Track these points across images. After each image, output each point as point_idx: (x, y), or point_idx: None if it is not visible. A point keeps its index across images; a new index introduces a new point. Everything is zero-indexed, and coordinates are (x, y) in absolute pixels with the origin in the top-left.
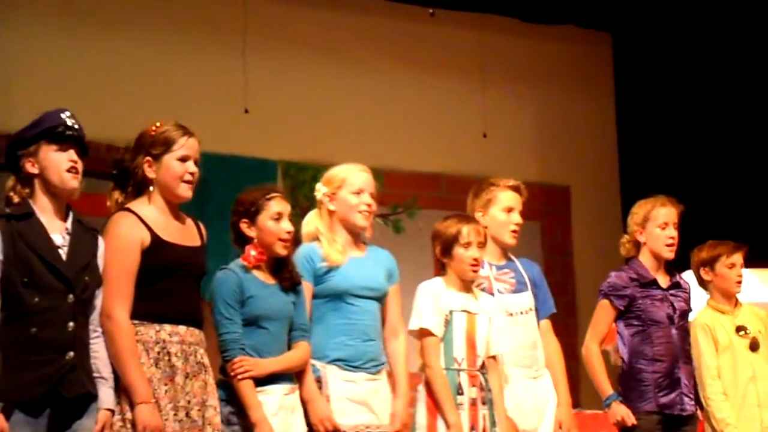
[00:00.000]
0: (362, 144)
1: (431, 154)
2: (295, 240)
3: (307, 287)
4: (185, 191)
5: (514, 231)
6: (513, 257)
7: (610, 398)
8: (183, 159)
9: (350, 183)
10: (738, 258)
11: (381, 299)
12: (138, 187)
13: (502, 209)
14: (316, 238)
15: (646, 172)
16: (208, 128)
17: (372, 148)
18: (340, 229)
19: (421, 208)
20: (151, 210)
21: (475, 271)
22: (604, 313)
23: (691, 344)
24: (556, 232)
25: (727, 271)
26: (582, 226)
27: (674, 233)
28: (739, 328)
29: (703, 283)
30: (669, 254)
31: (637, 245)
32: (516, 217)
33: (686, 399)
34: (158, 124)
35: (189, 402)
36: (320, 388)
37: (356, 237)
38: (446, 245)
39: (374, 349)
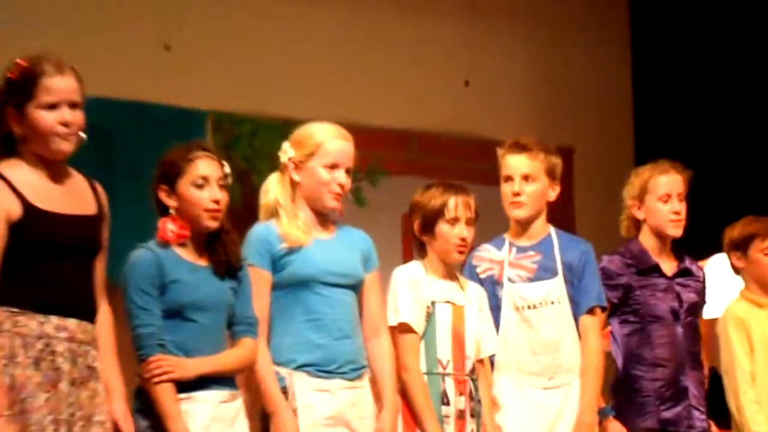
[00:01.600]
0: (314, 92)
1: (400, 106)
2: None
3: (263, 277)
4: (61, 144)
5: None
6: (554, 232)
7: (602, 413)
8: (52, 106)
9: (325, 152)
10: None
11: (356, 288)
12: (4, 143)
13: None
14: (277, 213)
15: (667, 133)
16: (119, 69)
17: (326, 98)
18: (304, 204)
19: (386, 173)
20: (24, 172)
21: (462, 253)
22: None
23: (720, 341)
24: (554, 203)
25: (763, 257)
26: (587, 197)
27: (679, 206)
28: None
29: (736, 269)
30: (674, 232)
31: (637, 223)
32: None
33: (695, 413)
34: (20, 61)
35: (73, 415)
36: (286, 399)
37: (323, 216)
38: (428, 220)
39: (351, 348)
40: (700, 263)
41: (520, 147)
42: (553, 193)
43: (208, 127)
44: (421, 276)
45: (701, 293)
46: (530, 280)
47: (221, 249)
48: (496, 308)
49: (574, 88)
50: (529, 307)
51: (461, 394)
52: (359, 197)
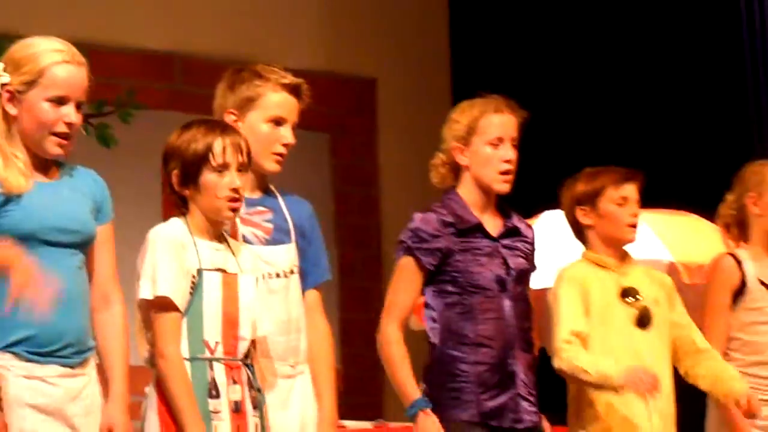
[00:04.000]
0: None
1: (160, 23)
2: None
3: None
4: None
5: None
6: (274, 189)
7: (416, 405)
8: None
9: (49, 81)
10: (632, 191)
11: (84, 246)
12: None
13: None
14: None
15: (491, 64)
16: None
17: (67, 9)
18: (21, 143)
19: (142, 106)
20: None
21: (235, 209)
22: (406, 276)
23: (549, 307)
24: (354, 148)
25: (616, 208)
26: (394, 141)
27: (512, 154)
28: (625, 292)
29: (580, 230)
30: (502, 186)
31: (457, 170)
32: None
33: (524, 404)
34: None
35: None
36: None
37: (44, 156)
38: (189, 169)
39: (78, 325)
40: (529, 221)
41: (302, 91)
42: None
43: None
44: (185, 237)
45: (531, 258)
46: (268, 242)
47: None
48: None
49: (377, 10)
50: (278, 275)
51: (235, 382)
52: (106, 135)
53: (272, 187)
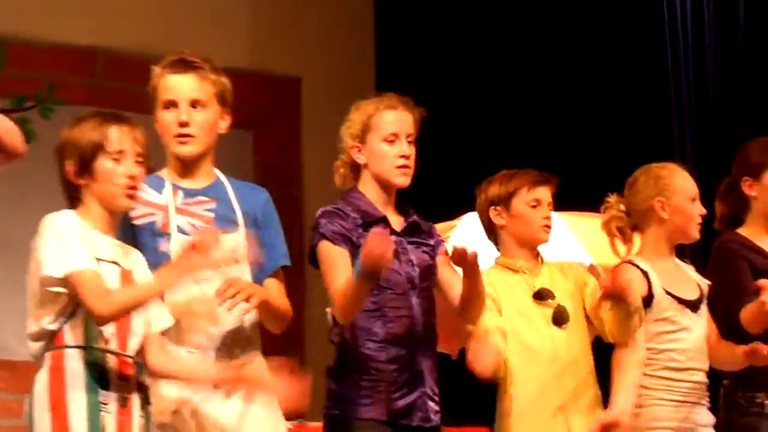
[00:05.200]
0: None
1: (82, 17)
2: None
3: None
4: None
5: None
6: (222, 177)
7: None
8: None
9: None
10: (545, 194)
11: None
12: None
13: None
14: None
15: (416, 64)
16: None
17: None
18: None
19: (62, 101)
20: None
21: (132, 196)
22: (332, 256)
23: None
24: (278, 146)
25: (528, 210)
26: (318, 139)
27: (408, 149)
28: (538, 294)
29: (493, 231)
30: (401, 179)
31: (357, 170)
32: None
33: (431, 404)
34: None
35: None
36: None
37: None
38: (85, 158)
39: None
40: (452, 222)
41: (186, 64)
42: (225, 124)
43: None
44: (81, 228)
45: (433, 254)
46: None
47: None
48: (157, 266)
49: (302, 8)
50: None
51: (124, 377)
52: (25, 131)
53: (222, 177)
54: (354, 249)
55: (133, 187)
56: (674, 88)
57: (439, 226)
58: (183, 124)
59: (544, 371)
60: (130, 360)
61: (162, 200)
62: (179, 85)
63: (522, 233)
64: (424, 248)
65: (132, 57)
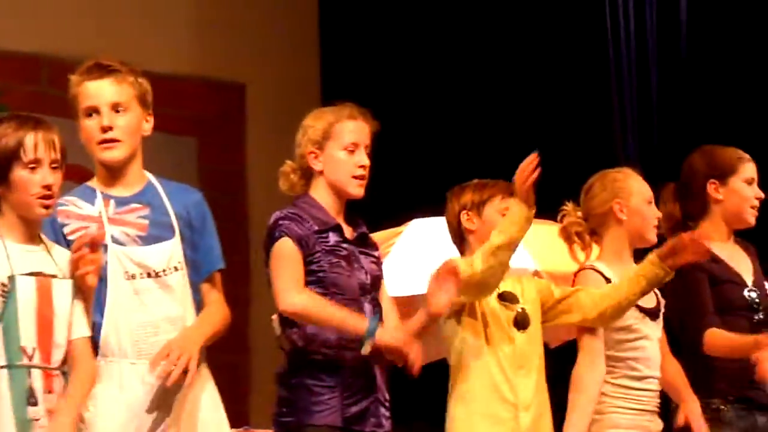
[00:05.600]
0: None
1: (26, 24)
2: None
3: None
4: None
5: None
6: (154, 180)
7: (371, 329)
8: None
9: None
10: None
11: None
12: None
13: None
14: None
15: (361, 71)
16: None
17: None
18: None
19: (6, 108)
20: None
21: (47, 207)
22: (287, 255)
23: None
24: (222, 153)
25: (499, 217)
26: (262, 146)
27: (366, 160)
28: (503, 296)
29: (462, 235)
30: (357, 190)
31: (308, 176)
32: None
33: (383, 410)
34: None
35: None
36: None
37: None
38: (1, 167)
39: None
40: (398, 228)
41: (102, 69)
42: (148, 126)
43: None
44: None
45: (380, 264)
46: (143, 240)
47: None
48: (98, 279)
49: (246, 15)
50: (149, 275)
51: (50, 391)
52: None
53: (153, 180)
54: (309, 254)
55: (49, 197)
56: (617, 98)
57: (385, 233)
58: (106, 129)
59: (499, 370)
60: (56, 372)
61: (95, 211)
62: (98, 90)
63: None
64: (372, 259)
65: (76, 64)
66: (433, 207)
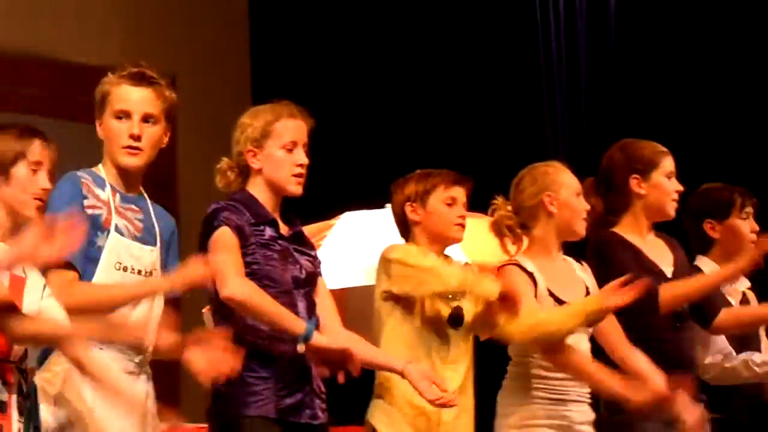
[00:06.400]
0: None
1: None
2: None
3: None
4: None
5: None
6: (145, 194)
7: (309, 329)
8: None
9: None
10: (460, 193)
11: None
12: None
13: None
14: None
15: (292, 63)
16: None
17: None
18: None
19: None
20: None
21: (40, 209)
22: (225, 241)
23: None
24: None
25: (444, 207)
26: (192, 137)
27: (305, 158)
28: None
29: (407, 227)
30: (296, 188)
31: (245, 174)
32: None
33: (318, 402)
34: None
35: None
36: None
37: None
38: (4, 162)
39: None
40: (329, 222)
41: (144, 78)
42: (165, 140)
43: None
44: None
45: (317, 263)
46: (137, 239)
47: None
48: (91, 260)
49: (176, 5)
50: (140, 272)
51: (5, 383)
52: None
53: (145, 195)
54: (245, 245)
55: (43, 200)
56: (547, 90)
57: (316, 226)
58: (135, 137)
59: (427, 363)
60: (12, 365)
61: (105, 197)
62: (135, 98)
63: (436, 230)
64: (308, 257)
65: (2, 54)
66: (364, 200)
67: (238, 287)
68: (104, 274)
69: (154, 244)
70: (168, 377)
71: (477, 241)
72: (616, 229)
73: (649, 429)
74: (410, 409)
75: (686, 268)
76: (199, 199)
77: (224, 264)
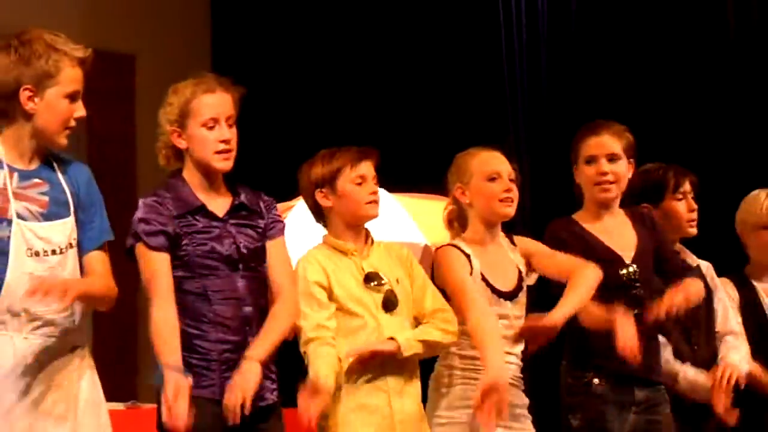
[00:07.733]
0: None
1: None
2: None
3: None
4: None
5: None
6: (52, 158)
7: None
8: None
9: None
10: (368, 168)
11: None
12: None
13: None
14: None
15: (252, 42)
16: None
17: None
18: None
19: None
20: None
21: None
22: (148, 260)
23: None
24: (112, 126)
25: (354, 188)
26: (152, 118)
27: (228, 134)
28: (368, 278)
29: (321, 214)
30: (222, 164)
31: (180, 152)
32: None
33: (266, 382)
34: None
35: None
36: None
37: None
38: None
39: None
40: (289, 203)
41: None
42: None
43: None
44: None
45: (263, 234)
46: (44, 217)
47: None
48: (0, 253)
49: None
50: (53, 252)
51: None
52: None
53: (51, 157)
54: (172, 240)
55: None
56: (508, 75)
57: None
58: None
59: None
60: None
61: (0, 183)
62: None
63: (350, 212)
64: (251, 230)
65: None
66: None
67: (152, 312)
68: (17, 263)
69: (68, 214)
70: (125, 359)
71: (437, 223)
72: (576, 215)
73: (607, 411)
74: (361, 410)
75: (650, 245)
76: (158, 180)
77: (147, 284)
